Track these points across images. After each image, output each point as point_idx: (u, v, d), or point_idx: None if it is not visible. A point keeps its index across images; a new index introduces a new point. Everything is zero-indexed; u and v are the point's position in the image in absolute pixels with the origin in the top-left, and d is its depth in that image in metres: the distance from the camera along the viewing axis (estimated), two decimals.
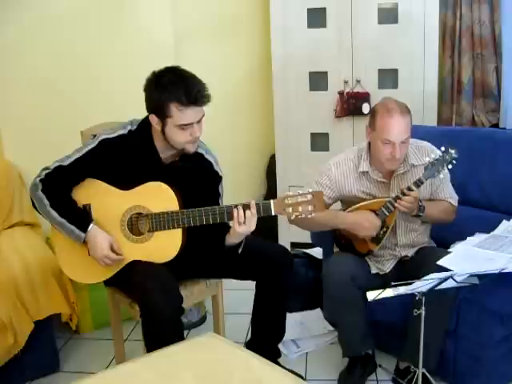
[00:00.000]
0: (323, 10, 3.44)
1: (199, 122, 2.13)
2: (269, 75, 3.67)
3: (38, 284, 2.50)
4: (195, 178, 2.26)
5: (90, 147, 2.18)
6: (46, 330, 2.57)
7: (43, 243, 2.75)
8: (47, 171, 2.17)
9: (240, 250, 2.28)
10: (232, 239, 2.23)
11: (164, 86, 2.06)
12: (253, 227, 2.13)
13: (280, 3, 3.50)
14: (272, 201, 2.11)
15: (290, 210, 2.09)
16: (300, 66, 3.56)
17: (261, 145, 4.06)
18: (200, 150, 2.27)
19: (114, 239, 2.16)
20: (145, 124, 2.20)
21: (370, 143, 2.42)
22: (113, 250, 2.14)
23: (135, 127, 2.21)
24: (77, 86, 3.18)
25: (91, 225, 2.13)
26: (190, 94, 2.04)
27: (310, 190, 2.09)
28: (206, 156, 2.31)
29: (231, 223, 2.18)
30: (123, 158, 2.17)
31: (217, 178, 2.34)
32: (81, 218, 2.15)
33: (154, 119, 2.12)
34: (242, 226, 2.12)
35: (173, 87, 2.05)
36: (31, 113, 3.12)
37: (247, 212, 2.10)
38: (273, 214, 2.12)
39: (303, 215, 2.09)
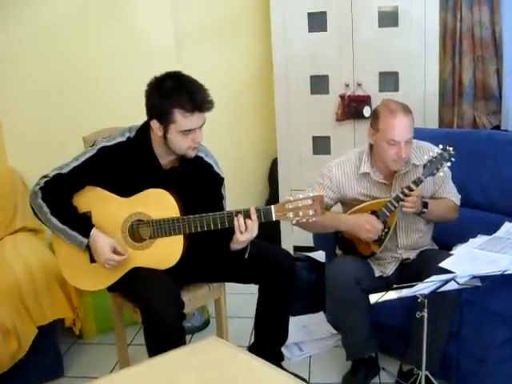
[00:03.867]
0: (324, 13, 3.44)
1: (201, 127, 2.14)
2: (270, 79, 3.67)
3: (41, 289, 2.51)
4: (196, 181, 2.26)
5: (88, 155, 2.17)
6: (49, 335, 2.57)
7: (46, 249, 2.76)
8: (46, 179, 2.16)
9: (246, 255, 2.28)
10: (236, 246, 2.22)
11: (167, 92, 2.06)
12: (255, 233, 2.13)
13: (280, 8, 3.51)
14: (273, 206, 2.10)
15: (291, 214, 2.09)
16: (301, 69, 3.57)
17: (263, 149, 4.06)
18: (199, 154, 2.26)
19: (116, 241, 2.15)
20: (143, 130, 2.20)
21: (371, 145, 2.42)
22: (116, 252, 2.13)
23: (134, 134, 2.21)
24: (79, 92, 3.20)
25: (93, 229, 2.13)
26: (195, 100, 2.04)
27: (311, 195, 2.09)
28: (206, 159, 2.30)
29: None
30: (123, 165, 2.17)
31: (218, 180, 2.34)
32: (82, 223, 2.15)
33: (155, 125, 2.12)
34: (245, 234, 2.11)
35: (177, 93, 2.04)
36: (34, 119, 3.14)
37: (248, 221, 2.10)
38: (274, 219, 2.11)
39: (304, 220, 2.09)
